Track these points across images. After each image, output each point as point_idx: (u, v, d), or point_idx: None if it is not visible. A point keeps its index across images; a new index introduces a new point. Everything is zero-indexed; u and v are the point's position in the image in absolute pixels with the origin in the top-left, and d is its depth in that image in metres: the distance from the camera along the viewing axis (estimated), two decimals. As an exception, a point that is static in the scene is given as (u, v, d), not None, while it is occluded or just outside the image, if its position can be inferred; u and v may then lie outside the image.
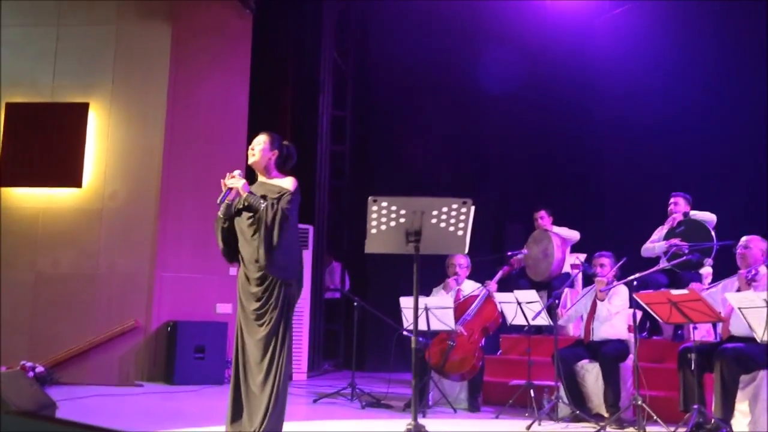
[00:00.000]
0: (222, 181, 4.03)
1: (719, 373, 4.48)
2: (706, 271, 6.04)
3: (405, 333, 5.87)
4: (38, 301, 7.52)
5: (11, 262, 7.58)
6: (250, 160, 4.03)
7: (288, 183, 4.00)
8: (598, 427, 4.82)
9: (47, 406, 3.79)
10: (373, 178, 9.85)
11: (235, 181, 3.99)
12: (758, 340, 3.78)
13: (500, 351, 7.05)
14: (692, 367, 4.47)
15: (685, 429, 4.43)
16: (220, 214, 4.05)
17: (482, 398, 6.19)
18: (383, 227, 3.47)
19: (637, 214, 7.25)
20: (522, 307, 5.45)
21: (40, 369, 6.79)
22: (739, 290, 4.60)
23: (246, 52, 8.24)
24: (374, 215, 3.45)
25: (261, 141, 4.12)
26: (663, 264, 5.41)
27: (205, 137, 7.99)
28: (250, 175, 4.22)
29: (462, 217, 3.44)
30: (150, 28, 7.95)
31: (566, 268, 6.82)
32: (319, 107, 9.03)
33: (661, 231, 6.33)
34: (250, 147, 4.12)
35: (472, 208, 3.43)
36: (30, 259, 7.60)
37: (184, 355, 7.30)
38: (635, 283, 4.86)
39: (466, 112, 9.57)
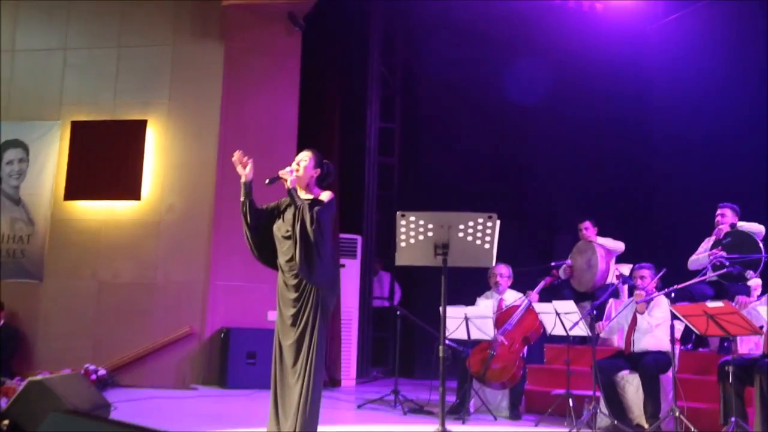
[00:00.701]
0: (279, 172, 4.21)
1: (759, 387, 4.46)
2: (755, 283, 5.95)
3: (447, 342, 5.98)
4: (101, 308, 7.95)
5: (76, 272, 8.05)
6: (293, 176, 4.19)
7: (324, 196, 4.19)
8: (636, 438, 4.84)
9: (102, 407, 4.07)
10: (421, 189, 10.01)
11: (286, 174, 4.15)
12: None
13: (544, 360, 7.08)
14: (730, 380, 4.45)
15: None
16: (242, 196, 4.21)
17: (524, 407, 6.28)
18: (412, 240, 3.64)
19: (686, 226, 7.18)
20: (561, 317, 5.51)
21: (102, 372, 7.19)
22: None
23: (295, 68, 8.52)
24: (403, 229, 3.61)
25: (306, 158, 4.29)
26: (705, 276, 5.38)
27: (256, 151, 8.11)
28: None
29: (488, 231, 3.57)
30: (203, 47, 8.33)
31: (611, 279, 6.83)
32: (367, 120, 9.25)
33: (708, 242, 6.28)
34: (294, 161, 4.30)
35: (498, 222, 3.56)
36: (93, 269, 8.05)
37: (237, 360, 7.60)
38: (672, 294, 4.87)
39: (513, 123, 9.62)
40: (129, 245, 8.08)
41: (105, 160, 8.24)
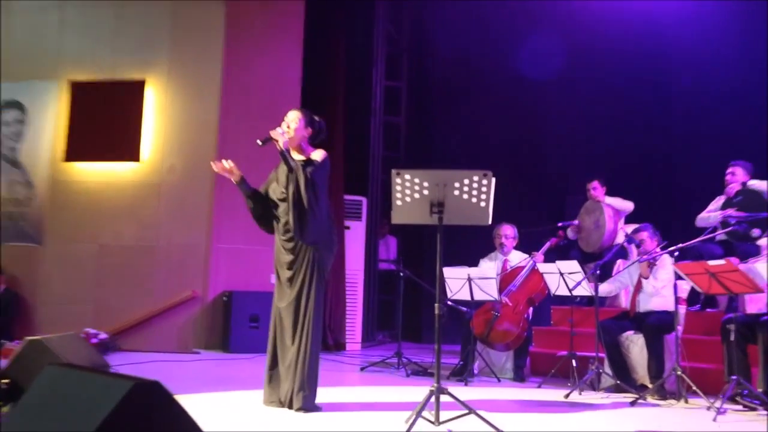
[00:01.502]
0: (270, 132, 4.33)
1: (762, 345, 4.58)
2: (764, 242, 6.03)
3: (449, 303, 6.14)
4: (102, 271, 8.13)
5: (76, 235, 8.22)
6: (284, 137, 4.29)
7: (317, 155, 4.30)
8: (637, 396, 4.98)
9: (100, 367, 4.25)
10: (429, 149, 10.09)
11: (278, 134, 4.27)
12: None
13: (551, 322, 7.22)
14: (731, 339, 4.57)
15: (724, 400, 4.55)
16: (244, 197, 4.44)
17: (530, 369, 6.44)
18: (408, 199, 3.74)
19: (701, 185, 7.21)
20: (564, 277, 5.62)
21: (103, 336, 7.39)
22: (786, 261, 4.65)
23: (298, 26, 8.56)
24: (398, 187, 3.72)
25: (296, 118, 4.41)
26: (707, 235, 5.45)
27: (259, 111, 8.37)
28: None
29: (484, 189, 3.67)
30: (205, 4, 8.37)
31: (620, 239, 6.92)
32: (373, 79, 9.30)
33: (718, 201, 6.35)
34: (284, 122, 4.40)
35: (493, 180, 3.65)
36: (93, 232, 8.21)
37: (240, 324, 7.78)
38: (676, 253, 4.96)
39: (525, 84, 9.60)
40: (130, 207, 8.23)
41: (104, 120, 8.34)
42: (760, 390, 4.57)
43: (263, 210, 4.46)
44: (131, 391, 2.15)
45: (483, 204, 3.71)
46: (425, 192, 3.71)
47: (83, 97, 8.46)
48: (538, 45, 8.99)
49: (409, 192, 3.73)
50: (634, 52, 8.87)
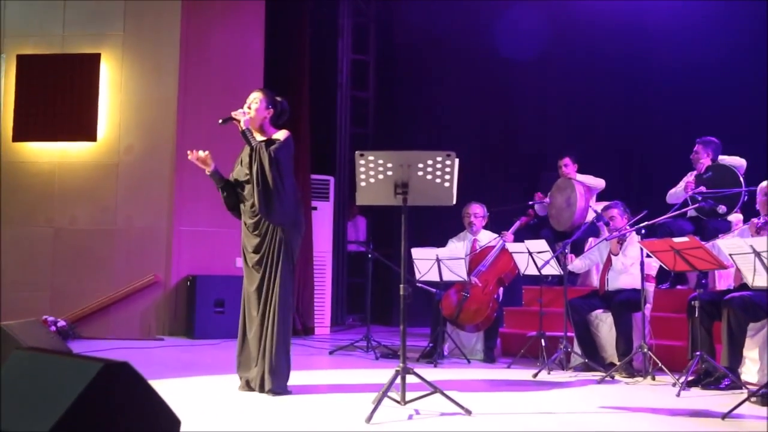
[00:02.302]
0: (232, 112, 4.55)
1: (726, 322, 4.90)
2: (736, 218, 6.36)
3: (418, 285, 6.40)
4: (57, 256, 8.24)
5: (29, 218, 8.31)
6: (245, 118, 4.49)
7: (280, 134, 4.52)
8: (604, 375, 5.29)
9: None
10: (399, 126, 10.28)
11: (240, 114, 4.50)
12: (750, 286, 4.16)
13: (522, 302, 7.52)
14: (695, 315, 4.89)
15: (689, 377, 4.87)
16: (217, 188, 4.64)
17: (501, 350, 6.74)
18: (372, 180, 3.97)
19: (676, 164, 7.50)
20: (533, 256, 5.90)
21: (62, 323, 7.55)
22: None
23: (261, -4, 8.68)
24: (362, 168, 3.94)
25: (257, 99, 4.62)
26: (674, 212, 5.76)
27: (220, 86, 8.49)
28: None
29: (447, 170, 3.90)
30: (160, -27, 8.43)
31: (592, 217, 7.21)
32: (339, 52, 9.45)
33: (689, 177, 6.66)
34: (246, 104, 4.60)
35: (456, 161, 3.89)
36: (47, 215, 8.31)
37: (204, 309, 7.96)
38: (643, 231, 5.26)
39: (499, 59, 9.76)
40: (86, 189, 8.31)
41: (56, 97, 8.38)
42: (723, 366, 4.88)
43: (236, 198, 4.65)
44: (101, 372, 2.36)
45: (447, 184, 3.94)
46: (389, 173, 3.94)
47: (32, 71, 8.46)
48: (512, 20, 9.20)
49: (373, 173, 3.95)
50: (610, 27, 9.10)
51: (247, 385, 4.56)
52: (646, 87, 9.00)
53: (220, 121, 4.55)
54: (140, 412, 2.44)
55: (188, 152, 4.62)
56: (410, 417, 3.86)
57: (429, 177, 3.92)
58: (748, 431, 3.85)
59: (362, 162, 3.93)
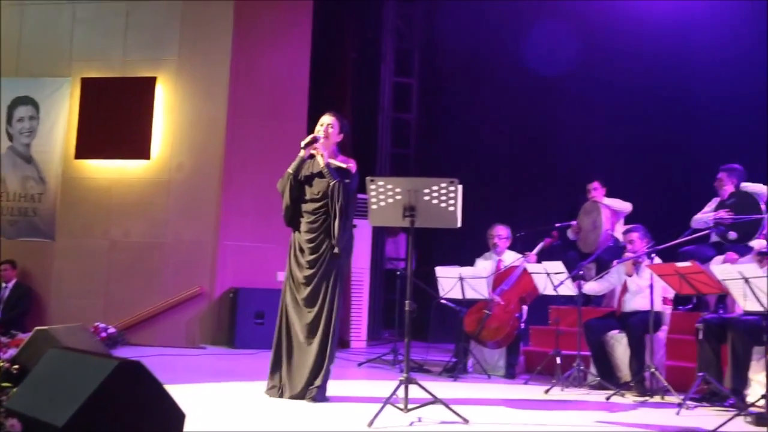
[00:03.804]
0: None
1: (731, 344, 5.06)
2: (759, 244, 6.46)
3: (443, 302, 6.70)
4: (112, 267, 8.83)
5: (87, 231, 8.93)
6: (319, 141, 4.91)
7: (351, 166, 4.92)
8: (614, 392, 5.49)
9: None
10: (440, 147, 10.58)
11: (320, 136, 4.90)
12: (742, 309, 4.34)
13: (550, 321, 7.71)
14: (700, 338, 5.07)
15: (691, 396, 5.05)
16: (290, 169, 4.96)
17: (525, 367, 6.97)
18: (383, 203, 4.31)
19: (699, 188, 7.62)
20: (551, 277, 6.14)
21: (111, 330, 8.08)
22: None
23: (307, 22, 9.16)
24: (373, 193, 4.30)
25: (331, 123, 5.00)
26: (685, 237, 5.92)
27: (266, 109, 9.00)
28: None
29: (451, 195, 4.22)
30: (213, 3, 8.99)
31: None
32: (381, 75, 9.85)
33: (713, 203, 6.81)
34: (320, 125, 5.00)
35: (460, 187, 4.20)
36: (104, 228, 8.91)
37: (245, 320, 8.42)
38: (653, 255, 5.46)
39: (538, 80, 9.96)
40: (139, 204, 8.90)
41: (115, 117, 9.00)
42: (727, 388, 5.04)
43: (294, 211, 4.98)
44: (116, 369, 2.76)
45: (451, 209, 4.26)
46: (398, 197, 4.28)
47: (94, 93, 9.13)
48: (550, 41, 9.42)
49: (383, 197, 4.30)
50: (646, 51, 9.26)
51: (279, 390, 4.87)
52: (676, 113, 9.09)
53: (303, 143, 4.92)
54: (148, 404, 2.82)
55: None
56: (411, 423, 4.16)
57: (435, 201, 4.24)
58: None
59: (373, 187, 4.28)
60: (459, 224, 4.33)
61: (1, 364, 3.89)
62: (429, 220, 4.33)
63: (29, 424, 2.80)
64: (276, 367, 4.97)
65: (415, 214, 4.29)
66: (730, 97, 8.47)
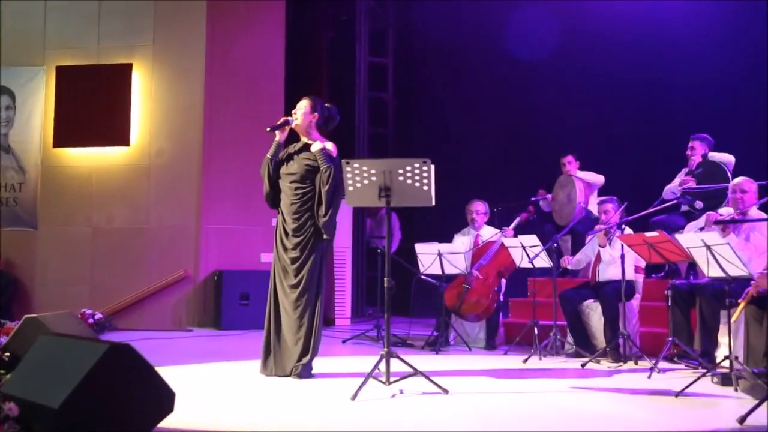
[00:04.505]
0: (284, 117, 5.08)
1: (699, 309, 5.28)
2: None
3: (423, 277, 6.88)
4: (96, 254, 8.93)
5: (70, 219, 9.02)
6: (293, 123, 5.05)
7: (329, 145, 4.98)
8: (589, 359, 5.70)
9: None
10: (418, 125, 10.74)
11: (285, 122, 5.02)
12: (706, 275, 4.55)
13: (529, 293, 7.92)
14: (668, 303, 5.28)
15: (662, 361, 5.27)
16: (268, 155, 5.07)
17: (505, 338, 7.18)
18: (359, 185, 4.45)
19: (672, 159, 7.81)
20: (526, 250, 6.32)
21: (99, 316, 8.18)
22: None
23: (281, 6, 9.29)
24: (349, 175, 4.43)
25: (302, 105, 5.13)
26: (654, 208, 6.12)
27: (243, 92, 9.09)
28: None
29: (425, 174, 4.36)
30: (186, -13, 9.02)
31: (595, 213, 7.59)
32: (357, 55, 9.96)
33: (682, 173, 7.01)
34: (293, 111, 5.14)
35: (432, 167, 4.34)
36: (86, 215, 9.00)
37: (230, 302, 8.58)
38: (624, 225, 5.65)
39: (515, 60, 10.04)
40: (121, 190, 8.98)
41: (92, 105, 9.06)
42: (697, 350, 5.26)
43: (275, 193, 5.09)
44: (107, 352, 2.90)
45: (426, 188, 4.40)
46: (373, 178, 4.42)
47: (70, 81, 9.17)
48: (526, 21, 9.56)
49: (359, 179, 4.44)
50: (624, 32, 9.41)
51: (272, 370, 4.98)
52: (654, 87, 9.27)
53: (269, 129, 5.04)
54: (139, 384, 2.96)
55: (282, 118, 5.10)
56: (393, 396, 4.34)
57: (409, 181, 4.39)
58: (695, 407, 4.21)
59: (349, 169, 4.42)
60: (433, 203, 4.47)
61: (-7, 351, 4.01)
62: (404, 199, 4.47)
63: (26, 407, 2.94)
64: (267, 350, 5.05)
65: (390, 194, 4.43)
66: (702, 69, 8.65)
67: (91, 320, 8.01)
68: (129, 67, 9.07)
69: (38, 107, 9.26)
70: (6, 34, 9.33)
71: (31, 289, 8.97)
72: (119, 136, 9.02)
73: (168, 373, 4.90)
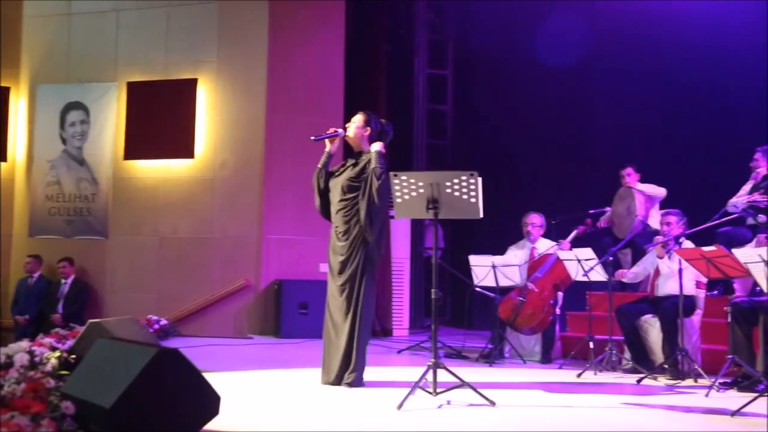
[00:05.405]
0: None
1: (762, 327, 5.14)
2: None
3: (477, 289, 6.89)
4: (162, 262, 9.24)
5: (138, 228, 9.36)
6: (343, 135, 5.21)
7: (376, 146, 5.07)
8: (645, 374, 5.61)
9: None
10: (476, 137, 10.72)
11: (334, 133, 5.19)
12: (765, 292, 4.43)
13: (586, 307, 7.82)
14: (728, 321, 5.16)
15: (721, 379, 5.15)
16: (319, 165, 5.23)
17: (562, 352, 7.11)
18: (407, 197, 4.52)
19: (735, 172, 7.62)
20: (581, 264, 6.27)
21: (164, 322, 8.46)
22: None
23: (340, 19, 9.42)
24: (397, 187, 4.51)
25: (356, 119, 5.27)
26: (715, 221, 5.98)
27: (304, 104, 9.28)
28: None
29: (472, 187, 4.40)
30: (248, 3, 9.30)
31: (655, 226, 7.46)
32: (415, 67, 10.04)
33: (747, 186, 6.84)
34: (346, 124, 5.28)
35: (479, 179, 4.38)
36: (153, 225, 9.33)
37: (290, 310, 8.75)
38: (682, 239, 5.54)
39: (575, 72, 9.95)
40: (186, 201, 9.29)
41: (159, 119, 9.42)
42: (760, 371, 5.12)
43: (325, 204, 5.22)
44: (156, 356, 3.04)
45: (473, 200, 4.44)
46: (421, 190, 4.48)
47: (139, 96, 9.57)
48: (584, 30, 9.49)
49: (407, 191, 4.50)
50: (684, 37, 9.24)
51: (330, 380, 5.06)
52: (718, 97, 9.06)
53: (313, 138, 5.20)
54: (186, 387, 3.09)
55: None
56: (439, 406, 4.37)
57: (456, 194, 4.43)
58: (751, 429, 4.11)
59: (396, 181, 4.49)
60: (481, 215, 4.50)
61: (60, 353, 4.22)
62: (452, 211, 4.51)
63: (82, 406, 3.10)
64: (323, 358, 5.15)
65: (438, 207, 4.48)
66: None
67: (156, 326, 8.30)
68: (194, 82, 9.38)
69: (110, 121, 9.66)
70: (81, 52, 9.78)
71: (102, 296, 9.35)
72: (184, 148, 9.32)
73: (224, 379, 5.09)
